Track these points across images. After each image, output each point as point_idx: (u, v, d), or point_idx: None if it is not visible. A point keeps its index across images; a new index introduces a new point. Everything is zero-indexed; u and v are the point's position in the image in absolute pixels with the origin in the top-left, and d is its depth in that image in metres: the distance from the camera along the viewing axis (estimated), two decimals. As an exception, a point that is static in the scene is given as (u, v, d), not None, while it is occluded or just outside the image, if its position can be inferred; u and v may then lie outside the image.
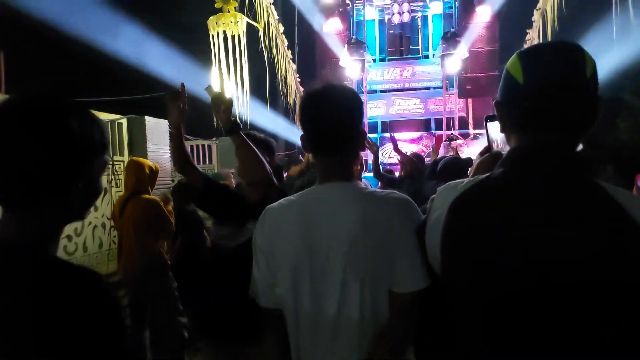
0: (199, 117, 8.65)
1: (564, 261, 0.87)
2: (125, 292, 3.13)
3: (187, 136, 8.54)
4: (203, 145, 9.09)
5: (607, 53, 5.83)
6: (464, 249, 0.97)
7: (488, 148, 1.32)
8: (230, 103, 1.94)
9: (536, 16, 7.29)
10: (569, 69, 0.94)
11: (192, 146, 9.05)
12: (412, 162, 4.23)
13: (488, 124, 1.31)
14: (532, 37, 7.43)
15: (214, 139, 9.08)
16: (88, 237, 3.79)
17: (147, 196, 3.16)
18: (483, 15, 8.73)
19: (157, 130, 5.55)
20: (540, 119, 0.95)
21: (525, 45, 7.73)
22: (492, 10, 8.62)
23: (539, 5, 7.15)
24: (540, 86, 0.95)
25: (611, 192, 0.91)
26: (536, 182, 0.93)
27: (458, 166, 3.83)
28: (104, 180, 4.07)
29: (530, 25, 7.59)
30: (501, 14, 8.73)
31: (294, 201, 1.27)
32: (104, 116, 4.46)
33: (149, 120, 5.28)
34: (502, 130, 1.06)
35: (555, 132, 0.95)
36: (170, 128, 2.09)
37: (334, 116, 1.26)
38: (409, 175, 4.15)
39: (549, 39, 6.92)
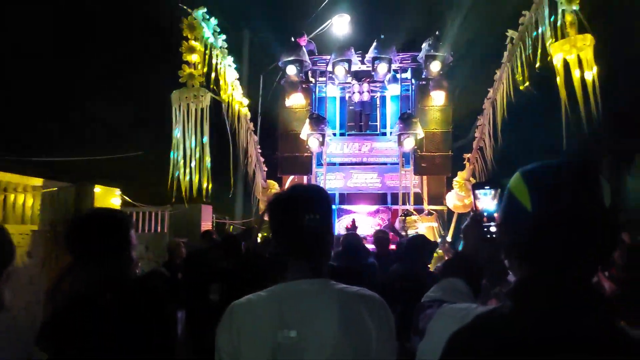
0: (153, 184, 8.45)
1: None
2: None
3: (139, 203, 8.28)
4: (156, 213, 8.80)
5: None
6: None
7: (474, 215, 1.32)
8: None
9: (487, 104, 7.80)
10: (586, 198, 0.84)
11: (143, 213, 8.74)
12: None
13: (476, 191, 1.34)
14: (483, 124, 7.90)
15: (167, 206, 8.83)
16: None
17: None
18: (437, 99, 9.26)
19: (107, 197, 5.34)
20: (552, 254, 0.86)
21: (477, 130, 8.22)
22: (445, 95, 9.16)
23: (490, 95, 7.68)
24: (552, 219, 0.85)
25: (633, 335, 0.81)
26: (551, 325, 0.81)
27: (424, 247, 3.84)
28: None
29: (481, 111, 8.10)
30: (454, 99, 9.30)
31: (265, 297, 1.20)
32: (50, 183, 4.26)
33: (99, 188, 5.08)
34: (506, 255, 0.97)
35: (570, 266, 0.85)
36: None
37: (307, 224, 1.23)
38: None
39: (499, 126, 7.39)
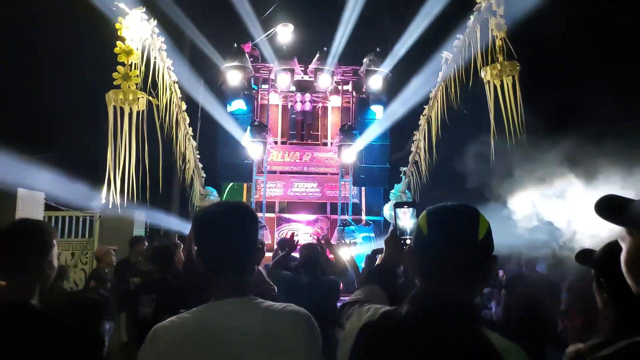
0: (81, 186, 7.97)
1: None
2: None
3: (63, 207, 7.81)
4: (84, 218, 8.35)
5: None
6: None
7: (393, 230, 1.57)
8: None
9: (422, 121, 8.14)
10: (463, 231, 1.13)
11: (69, 217, 8.26)
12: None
13: (397, 209, 1.58)
14: (419, 139, 8.23)
15: (97, 211, 8.39)
16: None
17: None
18: (377, 113, 9.53)
19: (31, 201, 5.01)
20: (437, 269, 1.14)
21: (413, 144, 8.56)
22: (383, 110, 9.45)
23: (425, 111, 8.01)
24: (439, 242, 1.14)
25: (494, 341, 1.06)
26: (431, 325, 1.08)
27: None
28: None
29: (417, 126, 8.43)
30: (392, 114, 9.59)
31: (189, 319, 1.18)
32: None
33: (22, 192, 4.75)
34: (412, 273, 1.25)
35: (449, 282, 1.12)
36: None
37: (230, 241, 1.23)
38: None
39: (433, 142, 7.73)
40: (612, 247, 1.05)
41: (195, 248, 1.30)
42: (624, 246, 0.97)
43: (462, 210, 1.16)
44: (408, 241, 1.49)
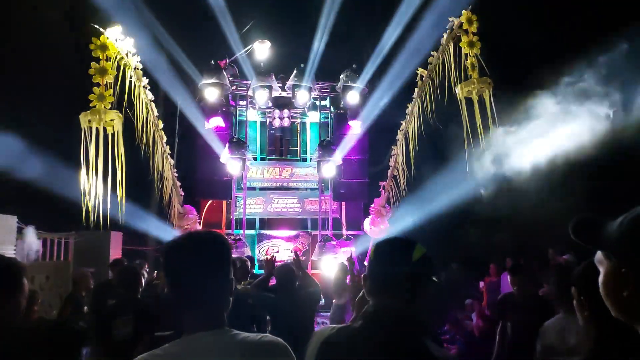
0: (55, 208, 7.81)
1: None
2: None
3: (40, 230, 7.60)
4: (59, 240, 8.15)
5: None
6: None
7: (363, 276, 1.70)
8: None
9: (399, 135, 8.24)
10: (397, 257, 1.39)
11: (44, 240, 8.04)
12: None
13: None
14: (397, 153, 8.32)
15: (72, 232, 8.21)
16: None
17: None
18: (354, 128, 9.62)
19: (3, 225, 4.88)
20: (380, 288, 1.39)
21: (392, 159, 8.66)
22: (362, 125, 9.53)
23: (402, 126, 8.12)
24: (380, 266, 1.42)
25: (431, 348, 1.26)
26: (378, 334, 1.29)
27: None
28: None
29: (395, 141, 8.52)
30: (371, 129, 9.70)
31: (161, 356, 1.15)
32: None
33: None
34: (366, 292, 1.48)
35: (392, 298, 1.35)
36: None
37: (200, 274, 1.21)
38: None
39: (411, 156, 7.83)
40: (592, 265, 1.01)
41: (167, 282, 1.28)
42: (601, 270, 0.95)
43: (400, 240, 1.43)
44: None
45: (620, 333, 1.13)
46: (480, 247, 9.91)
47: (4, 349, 1.46)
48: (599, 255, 0.96)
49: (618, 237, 0.88)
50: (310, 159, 10.24)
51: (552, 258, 6.91)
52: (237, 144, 8.92)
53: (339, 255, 8.64)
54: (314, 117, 10.55)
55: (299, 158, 10.65)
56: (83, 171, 5.46)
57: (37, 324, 3.99)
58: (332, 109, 10.21)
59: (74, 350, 2.80)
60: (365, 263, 1.64)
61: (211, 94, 8.99)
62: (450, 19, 6.24)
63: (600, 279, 0.95)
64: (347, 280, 4.81)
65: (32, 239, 6.61)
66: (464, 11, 5.98)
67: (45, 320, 5.82)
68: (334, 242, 8.91)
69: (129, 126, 6.23)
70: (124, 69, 5.99)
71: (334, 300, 4.90)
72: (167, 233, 8.25)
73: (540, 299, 3.91)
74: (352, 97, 9.20)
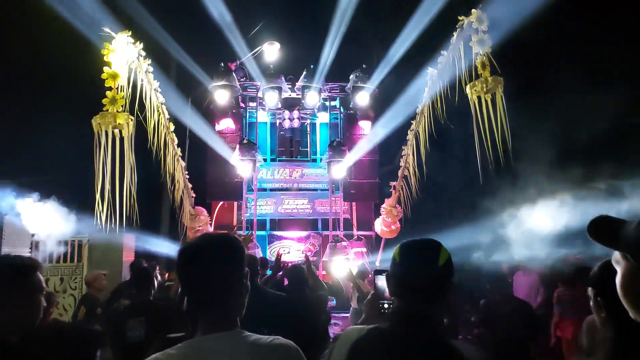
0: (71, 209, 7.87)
1: None
2: None
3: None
4: (72, 242, 8.24)
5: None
6: None
7: (374, 293, 1.74)
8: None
9: (410, 136, 8.20)
10: (425, 259, 1.39)
11: (57, 242, 8.12)
12: None
13: (375, 276, 1.75)
14: (407, 154, 8.27)
15: (86, 235, 8.29)
16: None
17: None
18: (365, 128, 9.59)
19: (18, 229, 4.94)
20: (406, 290, 1.41)
21: (402, 159, 8.61)
22: (372, 125, 9.51)
23: (412, 126, 8.08)
24: (407, 269, 1.41)
25: (457, 347, 1.30)
26: (403, 335, 1.34)
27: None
28: None
29: (406, 141, 8.47)
30: (381, 129, 9.65)
31: (174, 356, 1.16)
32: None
33: (8, 219, 4.69)
34: (390, 293, 1.53)
35: (418, 301, 1.37)
36: None
37: (214, 277, 1.22)
38: None
39: (423, 156, 7.78)
40: (609, 266, 1.01)
41: (180, 284, 1.29)
42: (618, 270, 0.94)
43: (426, 243, 1.43)
44: (386, 305, 1.70)
45: (639, 334, 1.11)
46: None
47: (25, 349, 1.47)
48: (616, 255, 0.95)
49: (636, 237, 0.87)
50: (320, 159, 10.24)
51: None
52: (248, 146, 8.95)
53: (350, 256, 8.62)
54: (323, 117, 10.55)
55: (309, 159, 10.66)
56: (96, 173, 5.52)
57: (54, 326, 4.05)
58: (342, 110, 10.20)
59: (91, 352, 2.83)
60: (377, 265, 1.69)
61: (221, 96, 9.04)
62: (460, 18, 6.20)
63: (618, 279, 0.94)
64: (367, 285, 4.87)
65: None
66: (473, 10, 5.94)
67: (61, 322, 5.91)
68: (344, 243, 8.88)
69: (140, 129, 6.29)
70: (135, 72, 6.06)
71: (351, 304, 4.95)
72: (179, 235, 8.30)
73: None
74: (362, 98, 9.18)
